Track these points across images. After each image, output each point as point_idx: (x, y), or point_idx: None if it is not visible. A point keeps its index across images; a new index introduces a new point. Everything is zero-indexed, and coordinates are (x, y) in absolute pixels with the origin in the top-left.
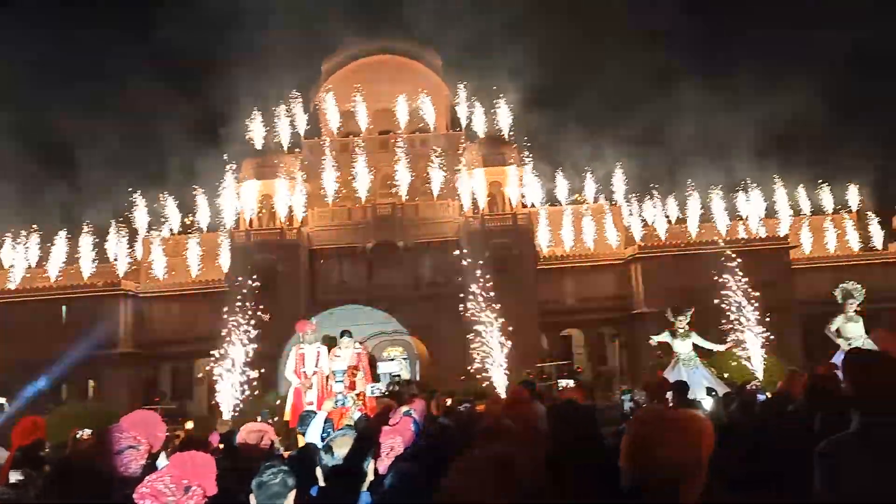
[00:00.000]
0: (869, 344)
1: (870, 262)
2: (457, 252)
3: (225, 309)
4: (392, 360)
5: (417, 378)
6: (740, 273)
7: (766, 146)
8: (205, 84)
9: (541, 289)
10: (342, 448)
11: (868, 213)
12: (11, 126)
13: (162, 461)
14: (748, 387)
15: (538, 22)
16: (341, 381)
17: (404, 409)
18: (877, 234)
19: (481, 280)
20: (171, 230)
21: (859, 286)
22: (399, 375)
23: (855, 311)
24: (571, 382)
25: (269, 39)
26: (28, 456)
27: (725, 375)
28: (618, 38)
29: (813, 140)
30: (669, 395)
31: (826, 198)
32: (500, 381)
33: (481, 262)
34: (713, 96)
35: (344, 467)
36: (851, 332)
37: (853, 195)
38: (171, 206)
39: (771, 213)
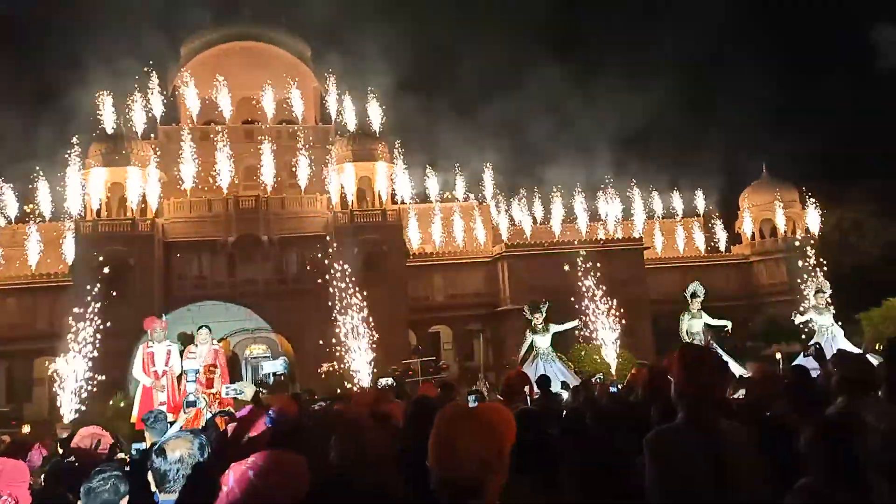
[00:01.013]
0: (700, 339)
1: (714, 263)
2: (324, 248)
3: (74, 301)
4: (278, 359)
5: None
6: (598, 272)
7: (624, 149)
8: (45, 52)
9: (410, 286)
10: (176, 451)
11: (713, 217)
12: None
13: None
14: (593, 380)
15: (407, 14)
16: (193, 381)
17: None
18: (721, 237)
19: (349, 277)
20: (7, 218)
21: (702, 286)
22: (284, 374)
23: (698, 308)
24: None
25: (123, 12)
26: None
27: (581, 370)
28: (487, 30)
29: (667, 145)
30: (527, 389)
31: (677, 202)
32: (364, 379)
33: (349, 258)
34: (577, 95)
35: (203, 465)
36: (696, 328)
37: (700, 200)
38: (7, 191)
39: (628, 215)
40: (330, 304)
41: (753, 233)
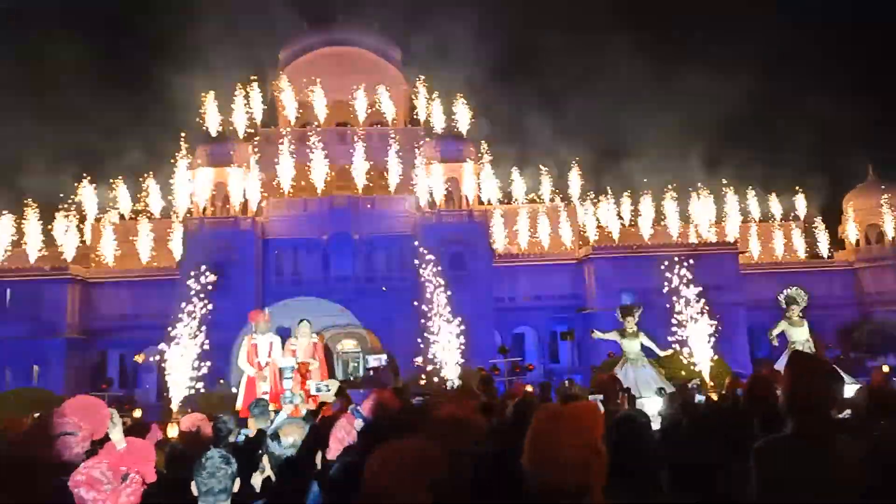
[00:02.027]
0: (808, 347)
1: (815, 270)
2: (412, 247)
3: (182, 294)
4: (381, 355)
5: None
6: (690, 276)
7: (717, 148)
8: (158, 66)
9: (495, 286)
10: (290, 436)
11: (814, 220)
12: None
13: (121, 443)
14: (689, 385)
15: (499, 18)
16: (290, 378)
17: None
18: (823, 243)
19: (436, 276)
20: (121, 215)
21: (802, 292)
22: (385, 367)
23: (798, 316)
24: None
25: (226, 23)
26: None
27: (672, 377)
28: (573, 24)
29: (762, 143)
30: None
31: (775, 205)
32: (453, 377)
33: (436, 257)
34: (665, 91)
35: (294, 459)
36: (796, 336)
37: (800, 203)
38: (122, 191)
39: (721, 217)
40: (416, 302)
41: (858, 238)
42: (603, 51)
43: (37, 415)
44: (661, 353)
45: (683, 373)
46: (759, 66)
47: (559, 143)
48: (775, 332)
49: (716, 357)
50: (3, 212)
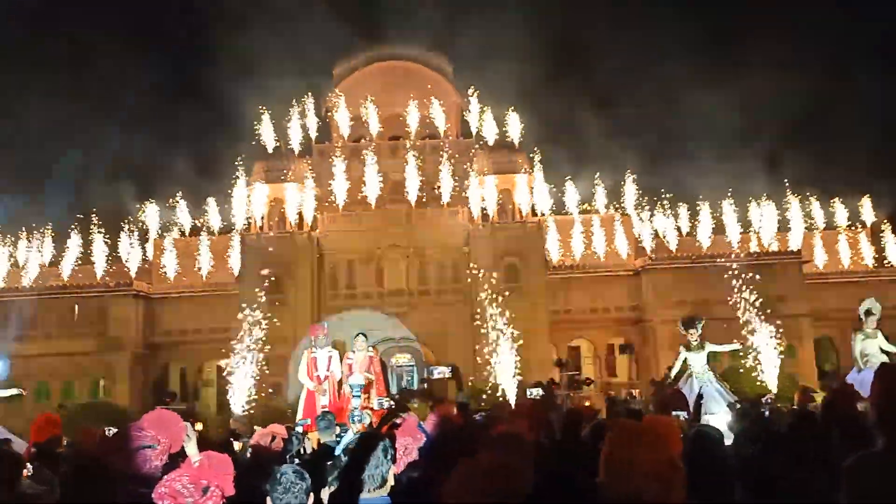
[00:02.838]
0: (874, 362)
1: (885, 279)
2: (465, 260)
3: (241, 309)
4: (446, 367)
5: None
6: (752, 287)
7: (777, 153)
8: (214, 85)
9: (550, 298)
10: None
11: (882, 227)
12: (38, 130)
13: (196, 457)
14: (763, 400)
15: (548, 27)
16: (358, 397)
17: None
18: (893, 250)
19: (490, 288)
20: (181, 231)
21: (878, 303)
22: (449, 378)
23: (874, 328)
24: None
25: (279, 42)
26: (43, 451)
27: (738, 391)
28: (626, 25)
29: (825, 146)
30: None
31: (839, 211)
32: (509, 390)
33: (490, 269)
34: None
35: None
36: (870, 349)
37: (867, 209)
38: (182, 208)
39: (783, 225)
40: (471, 315)
41: None
42: (655, 49)
43: (109, 429)
44: (731, 348)
45: (746, 389)
46: (821, 62)
47: (613, 150)
48: (856, 350)
49: (781, 370)
50: (71, 229)
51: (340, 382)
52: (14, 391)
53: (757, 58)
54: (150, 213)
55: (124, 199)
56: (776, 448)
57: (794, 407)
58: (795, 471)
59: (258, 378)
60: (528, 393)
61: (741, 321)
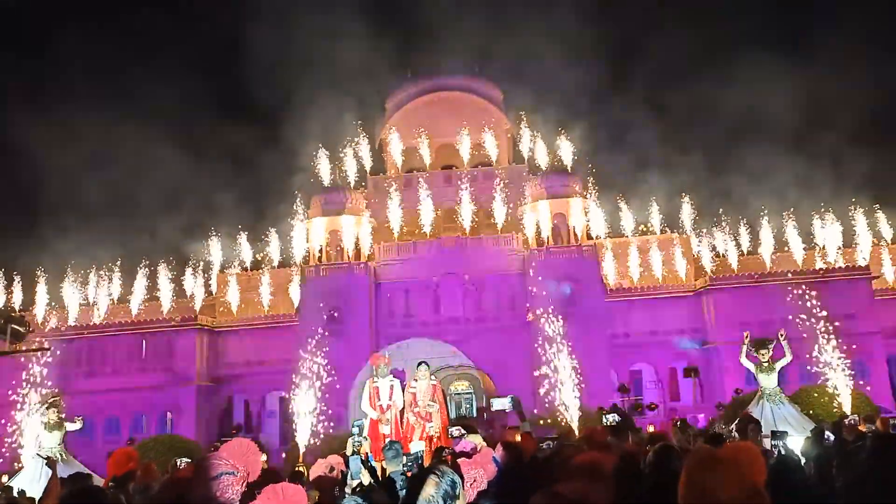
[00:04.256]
0: None
1: None
2: (523, 285)
3: (301, 340)
4: (506, 398)
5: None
6: (819, 305)
7: (839, 163)
8: (273, 121)
9: (609, 322)
10: (428, 488)
11: None
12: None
13: None
14: (846, 421)
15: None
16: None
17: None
18: None
19: (548, 313)
20: (243, 266)
21: None
22: (507, 410)
23: None
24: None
25: (331, 77)
26: (121, 485)
27: (812, 413)
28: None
29: (891, 158)
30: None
31: None
32: (573, 416)
33: (548, 295)
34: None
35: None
36: None
37: None
38: (244, 242)
39: (848, 239)
40: (530, 340)
41: None
42: (706, 52)
43: (180, 461)
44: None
45: (818, 411)
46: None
47: (668, 166)
48: None
49: (854, 390)
50: (140, 266)
51: (403, 412)
52: (77, 425)
53: (822, 52)
54: (214, 249)
55: (190, 234)
56: (859, 474)
57: (874, 428)
58: (882, 497)
59: (320, 409)
60: (603, 420)
61: (807, 339)
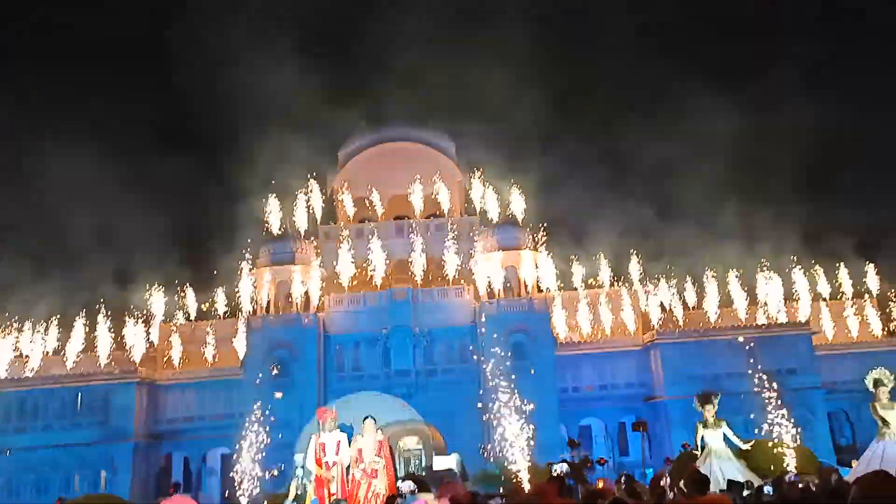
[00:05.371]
0: None
1: (894, 348)
2: (473, 337)
3: (246, 394)
4: (451, 455)
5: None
6: (762, 359)
7: (781, 223)
8: (219, 169)
9: (558, 375)
10: None
11: (890, 295)
12: (31, 215)
13: None
14: (786, 478)
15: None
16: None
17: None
18: None
19: (498, 366)
20: (187, 317)
21: (888, 373)
22: (452, 469)
23: (888, 398)
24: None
25: (282, 126)
26: None
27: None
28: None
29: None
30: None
31: (845, 280)
32: (522, 471)
33: (498, 348)
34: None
35: None
36: (891, 418)
37: (871, 277)
38: (188, 293)
39: (790, 296)
40: (478, 394)
41: None
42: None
43: None
44: (744, 447)
45: (763, 467)
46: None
47: (616, 220)
48: (878, 415)
49: (799, 446)
50: (77, 318)
51: (348, 468)
52: None
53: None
54: (156, 299)
55: (130, 285)
56: None
57: (817, 482)
58: None
59: (264, 466)
60: (552, 470)
61: (751, 394)
